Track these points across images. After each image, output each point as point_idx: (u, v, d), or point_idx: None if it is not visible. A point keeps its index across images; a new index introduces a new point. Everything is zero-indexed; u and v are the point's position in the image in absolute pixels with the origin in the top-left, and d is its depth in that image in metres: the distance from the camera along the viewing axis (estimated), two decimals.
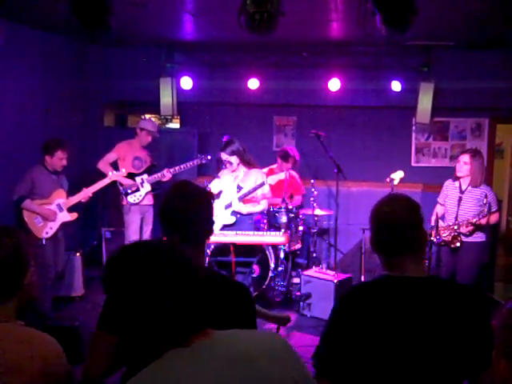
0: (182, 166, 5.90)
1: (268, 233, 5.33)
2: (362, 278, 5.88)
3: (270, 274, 5.54)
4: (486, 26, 5.37)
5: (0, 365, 1.50)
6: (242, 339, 1.34)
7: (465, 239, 4.85)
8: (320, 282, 5.55)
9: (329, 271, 5.84)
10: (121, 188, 5.96)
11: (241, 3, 3.61)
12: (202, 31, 6.44)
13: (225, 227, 5.36)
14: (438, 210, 5.12)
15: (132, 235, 5.93)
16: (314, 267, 5.97)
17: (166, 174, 5.93)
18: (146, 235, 6.07)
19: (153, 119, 7.17)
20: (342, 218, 6.46)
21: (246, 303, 1.94)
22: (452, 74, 6.48)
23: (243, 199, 5.34)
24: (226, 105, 7.35)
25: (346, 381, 1.75)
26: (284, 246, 5.70)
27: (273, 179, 5.35)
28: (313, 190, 6.17)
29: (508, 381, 1.83)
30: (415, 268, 1.80)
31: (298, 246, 6.21)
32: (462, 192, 4.94)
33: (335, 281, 5.43)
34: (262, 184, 5.24)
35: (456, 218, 4.91)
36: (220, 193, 5.45)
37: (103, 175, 5.72)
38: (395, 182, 5.57)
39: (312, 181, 6.20)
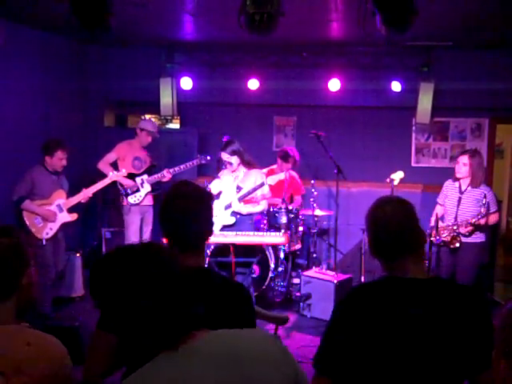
0: (181, 167, 5.91)
1: (268, 233, 5.32)
2: (362, 279, 5.87)
3: (270, 275, 5.55)
4: (486, 26, 5.38)
5: (6, 366, 1.50)
6: (233, 339, 1.34)
7: (464, 240, 4.85)
8: (320, 282, 5.55)
9: (329, 272, 5.84)
10: (121, 188, 5.95)
11: (241, 4, 3.61)
12: (202, 31, 6.44)
13: (225, 228, 5.36)
14: (438, 210, 5.12)
15: (132, 235, 5.93)
16: (313, 268, 5.97)
17: (166, 175, 5.93)
18: (146, 235, 6.07)
19: (153, 119, 7.17)
20: (341, 218, 6.46)
21: (246, 304, 1.94)
22: (452, 74, 6.48)
23: (243, 200, 5.34)
24: (226, 105, 7.35)
25: (347, 381, 1.75)
26: (284, 246, 5.70)
27: (273, 179, 5.35)
28: (313, 190, 6.17)
29: (508, 381, 1.83)
30: (415, 269, 1.80)
31: (298, 246, 6.21)
32: (461, 192, 4.94)
33: (335, 281, 5.43)
34: (262, 184, 5.24)
35: (455, 219, 4.91)
36: (220, 193, 5.45)
37: (103, 175, 5.72)
38: (395, 183, 5.57)
39: (312, 181, 6.20)
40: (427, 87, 6.32)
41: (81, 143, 6.84)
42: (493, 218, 4.88)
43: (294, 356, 1.41)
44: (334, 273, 5.68)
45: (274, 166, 6.53)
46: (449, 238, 4.86)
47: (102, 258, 1.35)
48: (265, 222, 5.92)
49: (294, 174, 6.41)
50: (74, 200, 5.36)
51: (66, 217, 5.31)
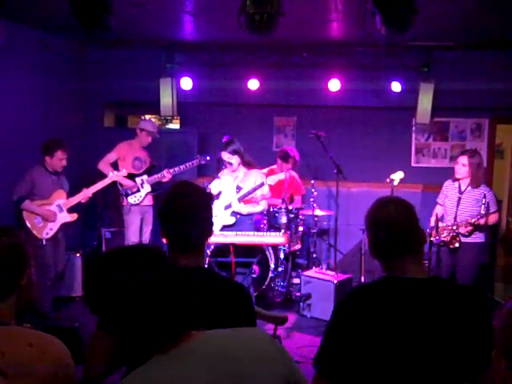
0: (181, 167, 5.91)
1: (268, 233, 5.33)
2: (362, 279, 5.87)
3: (270, 275, 5.55)
4: (486, 26, 5.38)
5: (9, 367, 1.50)
6: (227, 339, 1.34)
7: (464, 240, 4.85)
8: (320, 282, 5.55)
9: (329, 272, 5.84)
10: (121, 189, 5.96)
11: (241, 4, 3.61)
12: (202, 31, 6.44)
13: (225, 228, 5.36)
14: (438, 210, 5.12)
15: (132, 236, 5.93)
16: (313, 268, 5.97)
17: (166, 175, 5.94)
18: (146, 236, 6.08)
19: (153, 120, 7.17)
20: (341, 218, 6.45)
21: (246, 304, 1.94)
22: (452, 74, 6.48)
23: (243, 200, 5.34)
24: (226, 105, 7.35)
25: (347, 381, 1.75)
26: (284, 246, 5.70)
27: (273, 179, 5.35)
28: (313, 190, 6.17)
29: (508, 381, 1.83)
30: (415, 269, 1.80)
31: (298, 246, 6.21)
32: (461, 192, 4.94)
33: (335, 281, 5.43)
34: (262, 184, 5.24)
35: (455, 219, 4.91)
36: (219, 193, 5.45)
37: (103, 175, 5.72)
38: (395, 183, 5.57)
39: (312, 181, 6.20)
40: (427, 87, 6.31)
41: (81, 143, 6.84)
42: (492, 218, 4.88)
43: (294, 356, 1.41)
44: (333, 273, 5.68)
45: (274, 166, 6.53)
46: (448, 238, 4.86)
47: (94, 262, 1.36)
48: (265, 222, 5.92)
49: (294, 174, 6.41)
50: (74, 200, 5.37)
51: (66, 217, 5.31)
